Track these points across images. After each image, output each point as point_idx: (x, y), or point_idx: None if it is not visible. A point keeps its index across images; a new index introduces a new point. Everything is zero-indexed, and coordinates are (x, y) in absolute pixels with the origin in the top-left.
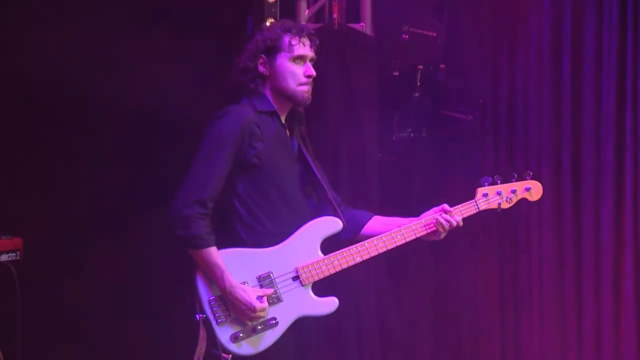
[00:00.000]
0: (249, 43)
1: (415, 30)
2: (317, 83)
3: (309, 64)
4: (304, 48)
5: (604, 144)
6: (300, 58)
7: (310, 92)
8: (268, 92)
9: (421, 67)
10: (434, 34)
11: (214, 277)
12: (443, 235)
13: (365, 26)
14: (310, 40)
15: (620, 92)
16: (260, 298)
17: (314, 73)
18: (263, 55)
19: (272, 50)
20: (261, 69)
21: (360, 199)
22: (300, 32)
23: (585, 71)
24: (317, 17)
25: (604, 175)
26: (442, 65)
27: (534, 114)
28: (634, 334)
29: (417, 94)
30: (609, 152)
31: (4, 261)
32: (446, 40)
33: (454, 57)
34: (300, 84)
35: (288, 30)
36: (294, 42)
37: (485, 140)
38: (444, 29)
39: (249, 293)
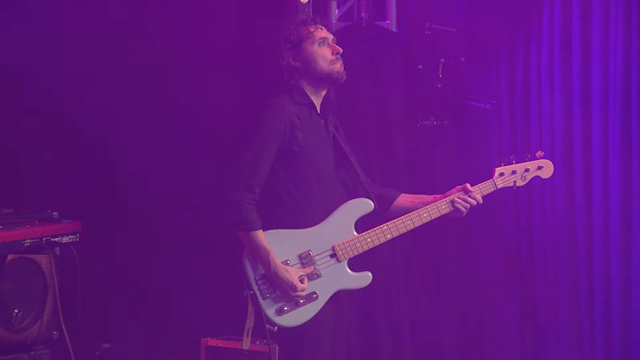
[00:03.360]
0: (273, 46)
1: (437, 26)
2: (347, 76)
3: (333, 44)
4: (322, 31)
5: (612, 126)
6: (323, 40)
7: (343, 67)
8: (304, 83)
9: (443, 60)
10: (454, 30)
11: (260, 258)
12: (465, 213)
13: (390, 23)
14: (324, 24)
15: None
16: (301, 279)
17: (341, 49)
18: (291, 52)
19: (296, 43)
20: (293, 63)
21: (390, 181)
22: (314, 20)
23: (593, 57)
24: (346, 16)
25: (613, 154)
26: (462, 58)
27: (546, 100)
28: None
29: (439, 85)
30: (617, 133)
31: (65, 242)
32: (466, 33)
33: (472, 48)
34: (332, 62)
35: (303, 23)
36: (312, 29)
37: (502, 125)
38: (463, 22)
39: (292, 274)
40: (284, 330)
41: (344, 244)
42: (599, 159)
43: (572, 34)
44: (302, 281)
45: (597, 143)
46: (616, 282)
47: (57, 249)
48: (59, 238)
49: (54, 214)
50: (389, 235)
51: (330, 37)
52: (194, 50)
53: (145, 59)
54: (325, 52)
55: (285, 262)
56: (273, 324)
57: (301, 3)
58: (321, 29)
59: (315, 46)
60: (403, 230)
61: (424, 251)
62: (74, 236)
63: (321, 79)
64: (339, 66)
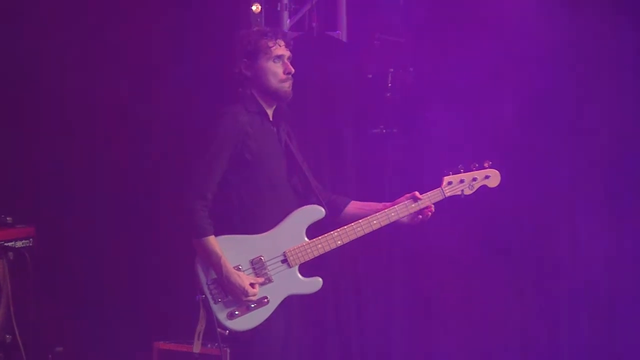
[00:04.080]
0: (230, 51)
1: (386, 37)
2: (298, 85)
3: (287, 62)
4: (280, 48)
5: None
6: (279, 57)
7: (290, 87)
8: (255, 92)
9: (392, 69)
10: (403, 40)
11: (212, 263)
12: (419, 222)
13: (341, 34)
14: (285, 40)
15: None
16: (252, 284)
17: (293, 70)
18: (245, 60)
19: (252, 54)
20: (245, 72)
21: (339, 188)
22: (275, 35)
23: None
24: (298, 26)
25: (556, 156)
26: (411, 68)
27: (497, 109)
28: None
29: (388, 94)
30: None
31: (19, 247)
32: (414, 43)
33: (420, 58)
34: (281, 81)
35: (264, 35)
36: (270, 44)
37: (450, 133)
38: (412, 33)
39: (243, 278)
40: (235, 333)
41: (295, 249)
42: (545, 162)
43: (520, 38)
44: (253, 286)
45: (544, 146)
46: (565, 281)
47: (10, 254)
48: (13, 243)
49: (8, 219)
50: (339, 242)
51: (287, 54)
52: (151, 51)
53: (103, 63)
54: (277, 70)
55: (237, 267)
56: (224, 327)
57: (253, 13)
58: (279, 45)
59: (270, 62)
60: (353, 237)
61: (373, 257)
62: (27, 241)
63: (268, 93)
64: (287, 86)
